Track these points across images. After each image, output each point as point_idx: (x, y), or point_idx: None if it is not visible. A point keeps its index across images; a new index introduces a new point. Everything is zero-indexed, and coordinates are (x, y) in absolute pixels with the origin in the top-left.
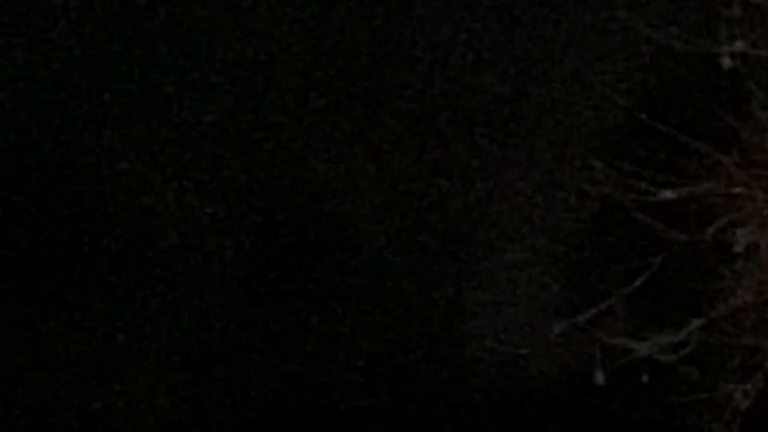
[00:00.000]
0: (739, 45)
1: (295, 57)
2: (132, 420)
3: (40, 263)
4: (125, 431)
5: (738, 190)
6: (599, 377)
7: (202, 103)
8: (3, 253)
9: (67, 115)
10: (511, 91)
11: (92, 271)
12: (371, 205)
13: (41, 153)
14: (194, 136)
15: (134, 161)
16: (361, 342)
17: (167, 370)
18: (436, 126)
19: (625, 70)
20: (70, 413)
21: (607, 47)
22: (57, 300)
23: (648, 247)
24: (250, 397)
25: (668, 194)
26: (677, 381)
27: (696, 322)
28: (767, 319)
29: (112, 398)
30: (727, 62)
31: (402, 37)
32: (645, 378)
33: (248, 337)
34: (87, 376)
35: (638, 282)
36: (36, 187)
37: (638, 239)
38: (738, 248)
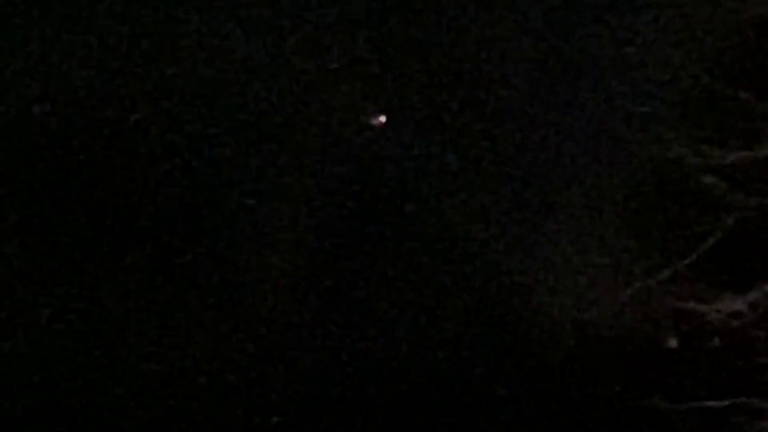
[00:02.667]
0: None
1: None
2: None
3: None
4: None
5: None
6: (671, 341)
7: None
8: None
9: (133, 99)
10: (577, 55)
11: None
12: (438, 172)
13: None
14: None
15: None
16: (427, 307)
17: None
18: (500, 93)
19: (691, 32)
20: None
21: (672, 9)
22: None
23: (716, 211)
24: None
25: (736, 157)
26: (748, 344)
27: (767, 286)
28: None
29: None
30: None
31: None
32: (716, 341)
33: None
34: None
35: (707, 245)
36: (104, 168)
37: (707, 202)
38: None
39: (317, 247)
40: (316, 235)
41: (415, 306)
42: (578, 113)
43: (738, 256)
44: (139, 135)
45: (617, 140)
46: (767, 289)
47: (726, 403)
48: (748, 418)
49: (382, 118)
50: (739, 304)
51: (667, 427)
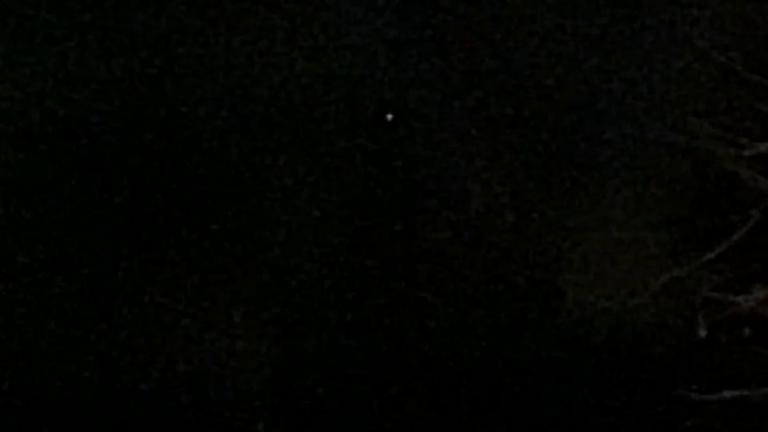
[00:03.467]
0: None
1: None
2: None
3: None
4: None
5: None
6: (701, 331)
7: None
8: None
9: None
10: (604, 44)
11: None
12: (472, 154)
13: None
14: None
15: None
16: (460, 296)
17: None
18: (531, 84)
19: (719, 19)
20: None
21: None
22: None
23: (748, 200)
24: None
25: (766, 147)
26: None
27: None
28: None
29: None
30: None
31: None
32: (747, 331)
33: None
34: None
35: (738, 235)
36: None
37: (738, 192)
38: None
39: (337, 246)
40: (341, 232)
41: (442, 295)
42: (609, 105)
43: None
44: (163, 128)
45: (647, 130)
46: None
47: (757, 393)
48: None
49: (389, 116)
50: None
51: (697, 417)
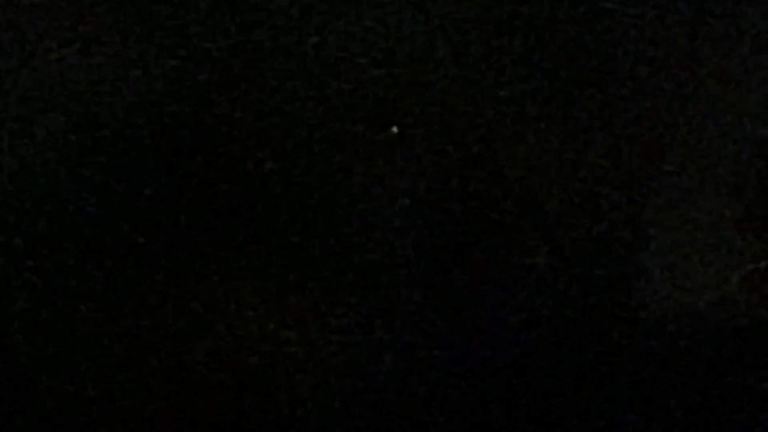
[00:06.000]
0: None
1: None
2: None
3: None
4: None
5: None
6: None
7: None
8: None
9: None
10: (685, 38)
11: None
12: (546, 149)
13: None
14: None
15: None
16: (533, 293)
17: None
18: (610, 76)
19: None
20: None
21: None
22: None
23: None
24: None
25: None
26: None
27: None
28: None
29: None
30: None
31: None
32: None
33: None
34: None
35: None
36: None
37: None
38: None
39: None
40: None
41: (515, 293)
42: (687, 97)
43: None
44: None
45: (724, 120)
46: None
47: None
48: None
49: (395, 129)
50: None
51: None
